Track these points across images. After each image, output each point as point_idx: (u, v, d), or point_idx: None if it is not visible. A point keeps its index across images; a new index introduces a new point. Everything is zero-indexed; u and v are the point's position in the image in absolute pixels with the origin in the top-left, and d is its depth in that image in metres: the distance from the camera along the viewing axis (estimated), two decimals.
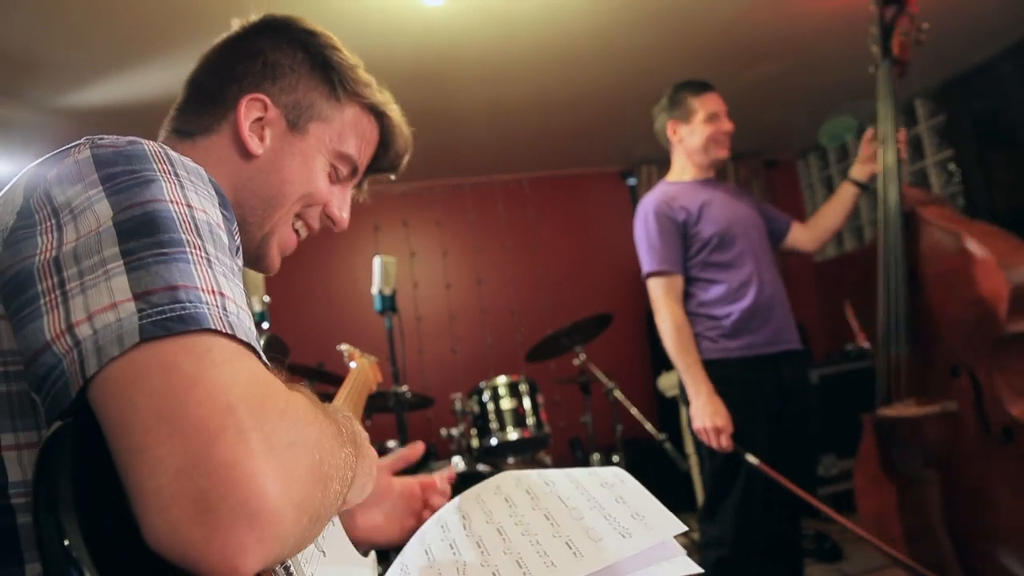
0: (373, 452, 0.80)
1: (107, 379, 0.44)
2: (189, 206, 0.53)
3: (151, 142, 0.58)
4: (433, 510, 0.98)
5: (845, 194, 2.17)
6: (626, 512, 0.75)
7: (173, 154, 0.58)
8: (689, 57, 3.19)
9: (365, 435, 0.78)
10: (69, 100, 2.91)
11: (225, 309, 0.48)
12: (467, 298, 4.68)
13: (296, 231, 0.85)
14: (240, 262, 0.65)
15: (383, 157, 0.91)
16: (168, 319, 0.45)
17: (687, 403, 2.09)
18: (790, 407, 2.05)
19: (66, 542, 0.41)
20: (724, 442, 1.90)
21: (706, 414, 1.91)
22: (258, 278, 2.46)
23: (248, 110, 0.77)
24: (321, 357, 3.33)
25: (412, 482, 1.01)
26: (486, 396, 3.15)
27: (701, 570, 0.67)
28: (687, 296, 2.09)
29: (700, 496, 3.38)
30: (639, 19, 2.88)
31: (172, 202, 0.52)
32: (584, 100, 3.65)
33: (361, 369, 1.21)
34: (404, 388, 2.66)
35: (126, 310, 0.45)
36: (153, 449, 0.41)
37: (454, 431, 3.19)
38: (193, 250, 0.50)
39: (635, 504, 0.76)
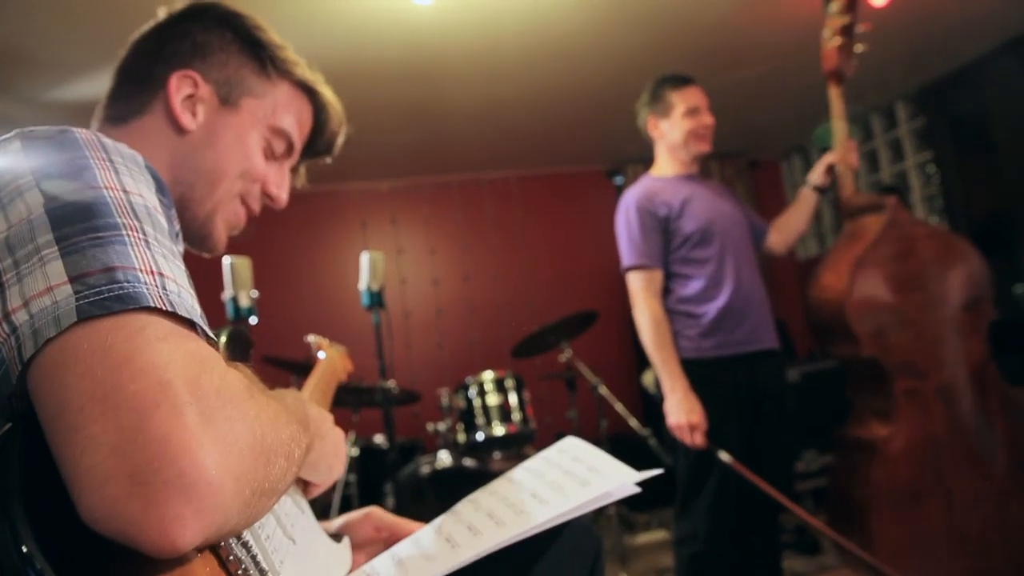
0: (337, 434, 0.80)
1: (43, 362, 0.43)
2: (125, 191, 0.52)
3: (83, 130, 0.57)
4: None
5: (805, 199, 2.22)
6: (583, 467, 0.80)
7: (107, 141, 0.57)
8: (676, 56, 3.22)
9: (327, 417, 0.79)
10: (61, 94, 2.89)
11: (165, 288, 0.48)
12: (454, 295, 4.70)
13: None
14: (181, 247, 0.65)
15: (318, 138, 0.92)
16: (106, 299, 0.44)
17: (661, 399, 2.08)
18: (766, 408, 2.05)
19: (24, 549, 0.40)
20: (698, 439, 1.91)
21: (681, 410, 1.92)
22: (247, 273, 2.46)
23: (179, 86, 0.77)
24: (309, 352, 3.34)
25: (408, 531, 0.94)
26: (472, 392, 3.16)
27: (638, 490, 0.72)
28: (666, 292, 2.09)
29: None
30: (626, 19, 2.91)
31: (107, 188, 0.51)
32: (571, 98, 3.67)
33: (329, 360, 1.22)
34: (391, 383, 2.68)
35: (62, 293, 0.44)
36: (87, 427, 0.40)
37: (441, 426, 3.21)
38: (130, 232, 0.49)
39: (590, 460, 0.82)
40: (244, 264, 2.44)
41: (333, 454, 0.78)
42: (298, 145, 0.88)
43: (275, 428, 0.50)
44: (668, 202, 2.07)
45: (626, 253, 2.10)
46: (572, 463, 0.82)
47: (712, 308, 2.02)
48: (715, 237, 2.05)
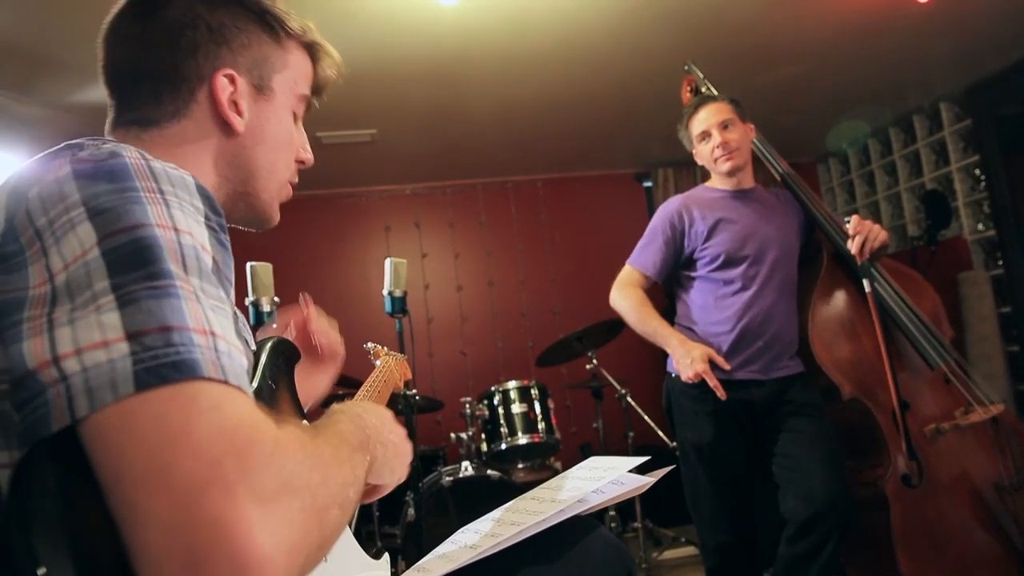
0: (399, 434, 0.77)
1: (99, 424, 0.44)
2: (176, 230, 0.52)
3: (132, 152, 0.56)
4: (314, 330, 1.08)
5: None
6: (598, 471, 0.90)
7: (157, 166, 0.56)
8: (706, 58, 3.11)
9: (387, 417, 0.75)
10: (81, 96, 2.90)
11: (216, 350, 0.48)
12: (478, 300, 4.64)
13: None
14: (231, 272, 0.62)
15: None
16: (162, 365, 0.45)
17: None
18: (779, 425, 1.95)
19: (40, 571, 0.42)
20: (719, 362, 1.90)
21: (685, 353, 1.92)
22: (268, 278, 2.43)
23: (222, 87, 0.73)
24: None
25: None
26: (496, 400, 3.10)
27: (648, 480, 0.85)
28: (679, 302, 2.14)
29: None
30: (655, 19, 2.83)
31: (159, 226, 0.51)
32: (599, 101, 3.60)
33: (385, 367, 1.22)
34: (413, 391, 2.62)
35: (118, 351, 0.45)
36: (143, 503, 0.42)
37: (463, 435, 3.15)
38: (183, 284, 0.50)
39: (605, 465, 0.91)
40: (266, 269, 2.40)
41: (395, 455, 0.76)
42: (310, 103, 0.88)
43: (326, 482, 0.51)
44: (703, 218, 2.05)
45: (637, 249, 2.17)
46: (590, 471, 0.90)
47: (710, 330, 2.02)
48: (743, 262, 2.00)
